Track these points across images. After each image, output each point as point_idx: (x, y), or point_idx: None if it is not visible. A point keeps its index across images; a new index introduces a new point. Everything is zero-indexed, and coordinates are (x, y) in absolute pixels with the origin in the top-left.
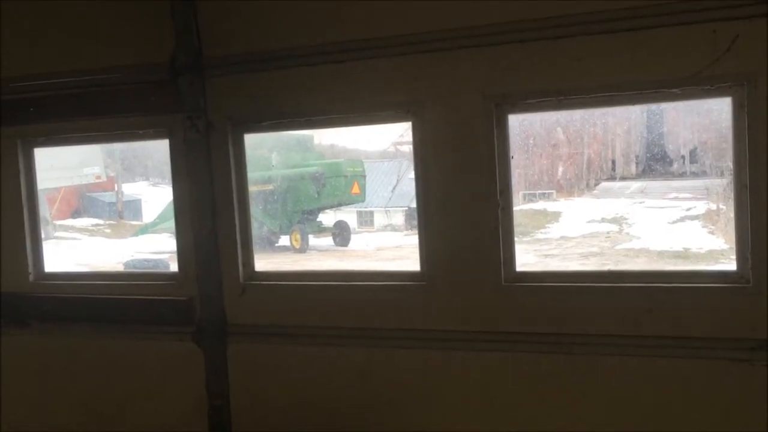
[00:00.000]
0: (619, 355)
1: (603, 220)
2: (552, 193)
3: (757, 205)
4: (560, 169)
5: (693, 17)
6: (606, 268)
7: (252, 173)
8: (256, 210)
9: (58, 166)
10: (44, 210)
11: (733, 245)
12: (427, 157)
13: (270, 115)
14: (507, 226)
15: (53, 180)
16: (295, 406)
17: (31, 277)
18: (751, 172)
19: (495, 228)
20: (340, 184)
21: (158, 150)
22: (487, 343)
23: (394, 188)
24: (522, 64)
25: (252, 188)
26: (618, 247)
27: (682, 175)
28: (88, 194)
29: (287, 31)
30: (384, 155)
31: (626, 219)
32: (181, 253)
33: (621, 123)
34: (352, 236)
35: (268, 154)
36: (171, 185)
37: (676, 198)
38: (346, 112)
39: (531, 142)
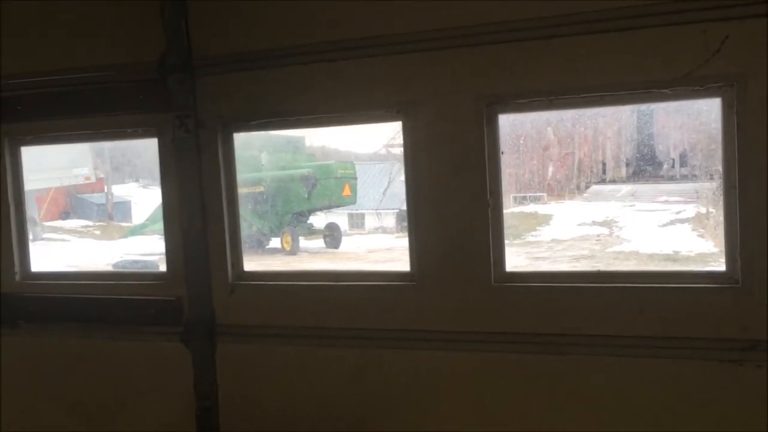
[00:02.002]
0: (610, 355)
1: (593, 223)
2: (543, 195)
3: (746, 206)
4: (550, 172)
5: (683, 18)
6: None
7: (242, 175)
8: (246, 212)
9: (47, 167)
10: (33, 211)
11: (723, 248)
12: (417, 157)
13: (260, 114)
14: (497, 226)
15: (42, 181)
16: (284, 407)
17: (17, 277)
18: (740, 173)
19: (485, 228)
20: (331, 185)
21: (148, 151)
22: (477, 343)
23: (385, 190)
24: (514, 64)
25: (242, 190)
26: (608, 249)
27: (672, 179)
28: (77, 195)
29: (279, 29)
30: (375, 157)
31: (617, 222)
32: (170, 253)
33: (611, 124)
34: (343, 238)
35: (258, 155)
36: (160, 185)
37: (666, 201)
38: (337, 112)
39: (521, 142)
